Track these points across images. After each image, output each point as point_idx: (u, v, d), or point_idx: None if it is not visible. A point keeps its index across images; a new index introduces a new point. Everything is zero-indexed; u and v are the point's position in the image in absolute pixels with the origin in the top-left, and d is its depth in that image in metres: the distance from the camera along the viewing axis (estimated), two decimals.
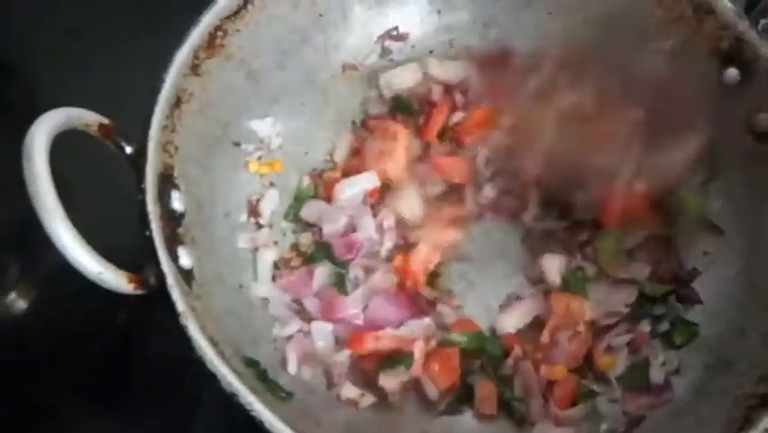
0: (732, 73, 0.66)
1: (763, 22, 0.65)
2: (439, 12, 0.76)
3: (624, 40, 0.72)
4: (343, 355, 0.62)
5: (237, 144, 0.69)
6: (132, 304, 0.69)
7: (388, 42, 0.76)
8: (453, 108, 0.73)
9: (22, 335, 0.71)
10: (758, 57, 0.63)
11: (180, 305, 0.50)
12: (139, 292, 0.51)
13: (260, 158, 0.70)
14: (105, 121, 0.54)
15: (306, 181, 0.71)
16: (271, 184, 0.71)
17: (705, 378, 0.60)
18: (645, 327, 0.64)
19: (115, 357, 0.71)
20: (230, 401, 0.48)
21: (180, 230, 0.58)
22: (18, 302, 0.73)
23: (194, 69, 0.62)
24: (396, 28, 0.76)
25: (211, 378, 0.62)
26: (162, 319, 0.66)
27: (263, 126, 0.70)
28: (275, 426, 0.47)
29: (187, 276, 0.55)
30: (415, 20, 0.76)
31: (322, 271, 0.66)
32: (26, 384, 0.68)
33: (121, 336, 0.72)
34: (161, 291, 0.51)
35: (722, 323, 0.62)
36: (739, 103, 0.66)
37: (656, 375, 0.62)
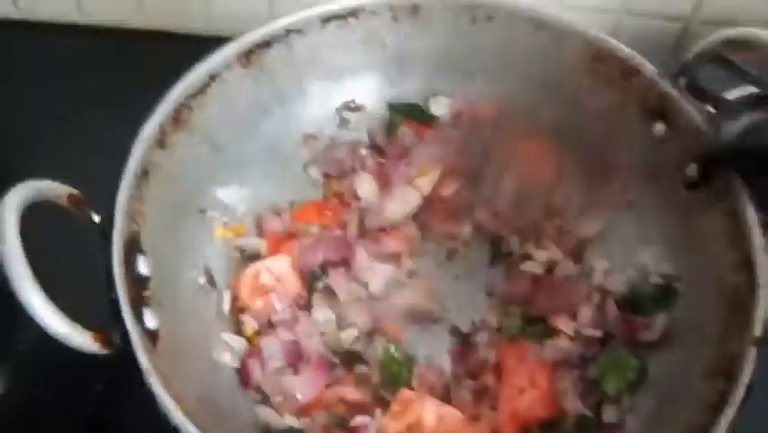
0: (659, 128, 0.72)
1: (682, 80, 0.71)
2: (392, 84, 0.82)
3: (561, 101, 0.78)
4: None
5: (203, 211, 0.73)
6: (109, 369, 0.73)
7: (345, 113, 0.81)
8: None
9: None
10: (681, 111, 0.69)
11: (144, 362, 0.52)
12: (104, 352, 0.53)
13: (225, 223, 0.74)
14: (74, 192, 0.57)
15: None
16: (242, 250, 0.75)
17: (656, 412, 0.62)
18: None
19: (95, 421, 0.72)
20: None
21: (147, 293, 0.60)
22: None
23: (160, 142, 0.66)
24: (353, 100, 0.81)
25: None
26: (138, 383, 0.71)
27: (228, 194, 0.75)
28: None
29: (152, 336, 0.57)
30: (370, 92, 0.81)
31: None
32: None
33: (99, 400, 0.73)
34: (126, 350, 0.53)
35: (670, 363, 0.65)
36: (668, 155, 0.71)
37: (609, 416, 0.65)
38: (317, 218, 0.76)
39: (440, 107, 0.81)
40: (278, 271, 0.72)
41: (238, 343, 0.69)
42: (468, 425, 0.64)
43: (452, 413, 0.64)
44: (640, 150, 0.74)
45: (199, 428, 0.51)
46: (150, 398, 0.62)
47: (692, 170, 0.69)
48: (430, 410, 0.63)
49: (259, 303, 0.70)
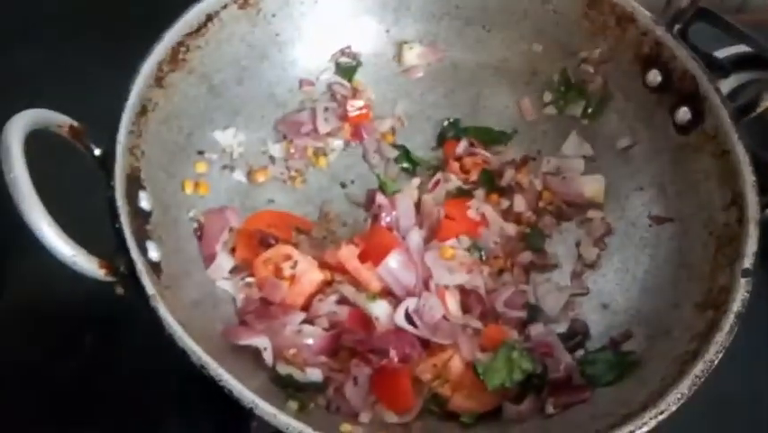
0: (654, 74, 0.73)
1: (677, 26, 0.72)
2: (388, 31, 0.82)
3: (556, 50, 0.79)
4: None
5: (201, 153, 0.72)
6: (101, 325, 0.73)
7: (341, 59, 0.81)
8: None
9: None
10: (675, 57, 0.71)
11: (150, 288, 0.53)
12: (109, 279, 0.53)
13: (225, 166, 0.74)
14: (76, 123, 0.57)
15: None
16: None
17: (644, 347, 0.64)
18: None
19: (83, 379, 0.71)
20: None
21: (148, 227, 0.61)
22: None
23: (158, 81, 0.66)
24: (348, 47, 0.81)
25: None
26: (128, 339, 0.71)
27: (225, 137, 0.74)
28: (244, 395, 0.50)
29: (155, 268, 0.58)
30: (366, 39, 0.81)
31: None
32: None
33: (88, 357, 0.73)
34: (131, 278, 0.54)
35: (658, 297, 0.67)
36: (661, 101, 0.73)
37: None
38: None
39: (413, 56, 0.82)
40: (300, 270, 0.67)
41: (235, 287, 0.69)
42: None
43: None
44: (634, 97, 0.75)
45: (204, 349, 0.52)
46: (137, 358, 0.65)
47: (684, 113, 0.71)
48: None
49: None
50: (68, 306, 0.74)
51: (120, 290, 0.73)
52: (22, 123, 0.51)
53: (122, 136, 0.60)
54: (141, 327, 0.69)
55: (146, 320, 0.70)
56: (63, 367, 0.71)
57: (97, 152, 0.59)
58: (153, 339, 0.68)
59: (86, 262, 0.52)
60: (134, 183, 0.61)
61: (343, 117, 0.79)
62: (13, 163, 0.49)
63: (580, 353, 0.67)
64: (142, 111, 0.64)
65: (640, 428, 0.52)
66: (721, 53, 0.81)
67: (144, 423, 0.70)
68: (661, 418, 0.53)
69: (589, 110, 0.78)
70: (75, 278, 0.71)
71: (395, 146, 0.79)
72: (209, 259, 0.68)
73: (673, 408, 0.53)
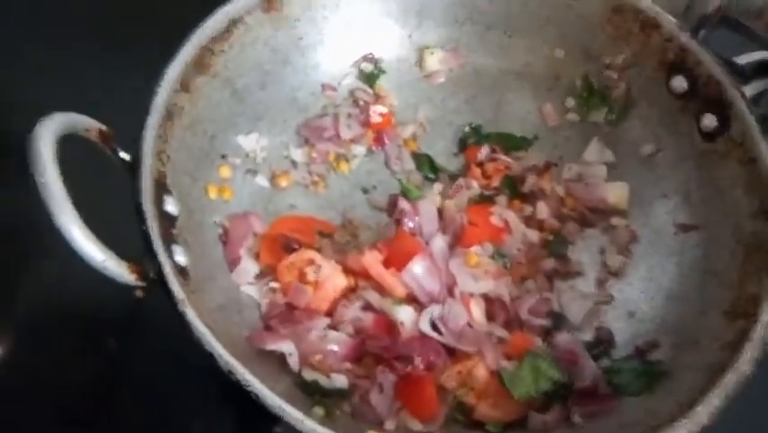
0: (678, 80, 0.72)
1: (702, 32, 0.71)
2: (410, 36, 0.82)
3: (579, 56, 0.79)
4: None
5: (224, 157, 0.72)
6: (121, 330, 0.73)
7: (363, 65, 0.81)
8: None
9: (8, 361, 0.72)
10: (700, 63, 0.70)
11: (179, 292, 0.53)
12: (139, 283, 0.53)
13: (248, 171, 0.74)
14: (104, 128, 0.57)
15: None
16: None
17: (672, 357, 0.63)
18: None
19: (103, 382, 0.71)
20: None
21: (174, 231, 0.61)
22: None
23: (184, 85, 0.66)
24: (371, 53, 0.81)
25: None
26: (150, 344, 0.71)
27: (248, 141, 0.74)
28: (271, 400, 0.50)
29: (182, 272, 0.58)
30: (388, 44, 0.81)
31: None
32: (11, 410, 0.68)
33: (108, 361, 0.73)
34: (160, 282, 0.54)
35: (685, 306, 0.67)
36: (686, 107, 0.72)
37: None
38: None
39: (434, 62, 0.81)
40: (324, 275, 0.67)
41: (260, 292, 0.68)
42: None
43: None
44: (658, 103, 0.75)
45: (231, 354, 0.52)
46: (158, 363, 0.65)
47: (710, 120, 0.70)
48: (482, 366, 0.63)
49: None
50: (85, 310, 0.73)
51: (140, 294, 0.74)
52: (52, 126, 0.52)
53: (149, 141, 0.60)
54: (160, 331, 0.70)
55: (166, 323, 0.70)
56: (82, 371, 0.70)
57: (125, 156, 0.59)
58: (174, 343, 0.66)
59: (116, 267, 0.52)
60: (161, 188, 0.61)
61: (366, 123, 0.79)
62: (45, 167, 0.50)
63: (606, 362, 0.66)
64: (168, 116, 0.64)
65: None
66: (741, 59, 0.81)
67: (166, 427, 0.70)
68: (693, 430, 0.52)
69: (612, 116, 0.78)
70: (92, 281, 0.72)
71: (417, 154, 0.79)
72: (234, 264, 0.67)
73: (706, 420, 0.52)
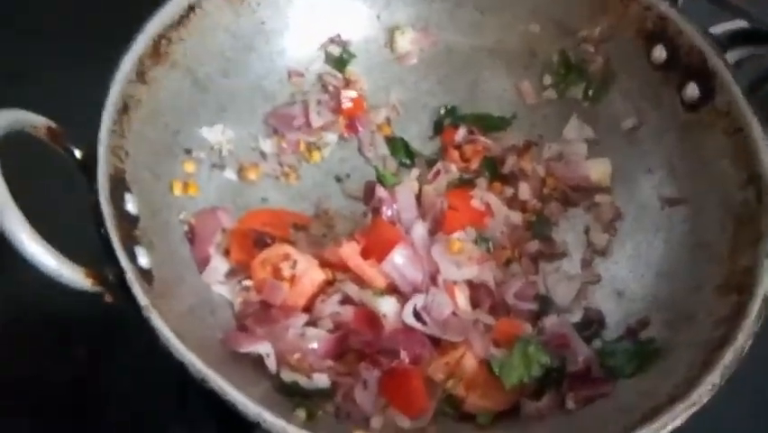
0: (659, 50, 0.70)
1: (680, 1, 0.69)
2: (378, 16, 0.78)
3: (554, 30, 0.76)
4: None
5: (188, 152, 0.68)
6: (91, 335, 0.69)
7: (331, 48, 0.77)
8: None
9: None
10: (681, 32, 0.68)
11: (142, 298, 0.49)
12: (97, 289, 0.50)
13: (214, 165, 0.70)
14: (53, 124, 0.53)
15: None
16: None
17: (665, 335, 0.61)
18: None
19: (76, 391, 0.68)
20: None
21: (136, 232, 0.57)
22: None
23: (140, 76, 0.62)
24: (338, 35, 0.77)
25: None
26: (122, 348, 0.67)
27: (213, 134, 0.70)
28: (249, 408, 0.46)
29: (146, 275, 0.54)
30: (355, 26, 0.78)
31: None
32: None
33: (80, 368, 0.69)
34: (121, 288, 0.50)
35: (675, 282, 0.65)
36: (668, 77, 0.70)
37: None
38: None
39: (405, 42, 0.78)
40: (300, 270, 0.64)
41: (233, 291, 0.65)
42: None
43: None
44: (638, 75, 0.72)
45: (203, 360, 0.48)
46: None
47: (692, 89, 0.68)
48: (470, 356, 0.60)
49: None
50: (54, 317, 0.69)
51: (109, 298, 0.70)
52: None
53: (104, 136, 0.57)
54: (134, 335, 0.66)
55: (139, 328, 0.68)
56: (54, 380, 0.67)
57: (78, 153, 0.55)
58: (147, 346, 0.66)
59: (71, 273, 0.48)
60: (119, 186, 0.57)
61: (336, 110, 0.76)
62: None
63: (597, 343, 0.64)
64: (124, 109, 0.60)
65: (672, 421, 0.49)
66: (716, 29, 0.79)
67: None
68: (692, 410, 0.50)
69: (591, 92, 0.75)
70: (61, 288, 0.68)
71: (391, 138, 0.76)
72: (203, 263, 0.64)
73: (705, 399, 0.50)
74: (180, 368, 0.49)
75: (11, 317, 0.70)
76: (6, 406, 0.66)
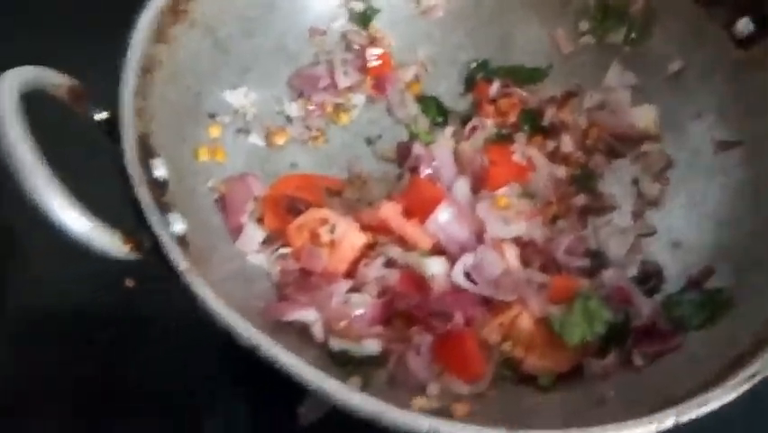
0: None
1: None
2: None
3: None
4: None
5: (213, 116, 0.65)
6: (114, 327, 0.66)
7: (353, 3, 0.73)
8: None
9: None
10: None
11: (181, 262, 0.45)
12: (134, 256, 0.46)
13: (240, 130, 0.67)
14: (76, 83, 0.49)
15: None
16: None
17: (734, 283, 0.57)
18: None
19: (104, 383, 0.65)
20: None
21: (166, 198, 0.53)
22: None
23: (160, 35, 0.58)
24: None
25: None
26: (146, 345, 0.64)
27: (236, 97, 0.67)
28: (308, 375, 0.42)
29: (181, 242, 0.50)
30: None
31: None
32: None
33: (105, 360, 0.66)
34: (157, 253, 0.46)
35: (737, 228, 0.61)
36: (716, 14, 0.66)
37: None
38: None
39: None
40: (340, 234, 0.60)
41: (270, 260, 0.61)
42: None
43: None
44: (681, 14, 0.68)
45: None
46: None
47: (745, 24, 0.64)
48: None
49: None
50: (79, 309, 0.67)
51: (130, 283, 0.67)
52: (16, 80, 0.44)
53: (128, 97, 0.52)
54: (160, 326, 0.65)
55: (161, 319, 0.65)
56: (79, 373, 0.64)
57: (102, 115, 0.51)
58: (175, 337, 0.64)
59: (106, 238, 0.44)
60: (146, 149, 0.53)
61: (363, 69, 0.72)
62: (8, 127, 0.41)
63: (659, 297, 0.60)
64: (146, 69, 0.56)
65: (765, 369, 0.45)
66: None
67: (177, 422, 0.63)
68: None
69: (632, 36, 0.71)
70: (80, 279, 0.64)
71: (422, 97, 0.72)
72: (236, 231, 0.60)
73: None
74: (226, 337, 0.45)
75: (35, 313, 0.68)
76: (35, 402, 0.63)
